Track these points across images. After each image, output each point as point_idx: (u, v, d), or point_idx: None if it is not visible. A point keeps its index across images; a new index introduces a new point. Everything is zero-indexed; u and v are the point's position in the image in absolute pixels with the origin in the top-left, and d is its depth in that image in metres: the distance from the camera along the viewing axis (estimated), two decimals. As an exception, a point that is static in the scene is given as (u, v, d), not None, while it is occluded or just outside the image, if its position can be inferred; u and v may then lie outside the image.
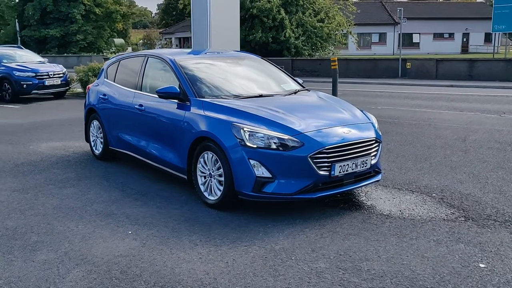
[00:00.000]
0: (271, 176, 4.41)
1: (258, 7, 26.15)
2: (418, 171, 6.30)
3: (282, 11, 26.70)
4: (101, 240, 4.12)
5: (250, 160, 4.42)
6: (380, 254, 3.78)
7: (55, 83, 14.97)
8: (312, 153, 4.39)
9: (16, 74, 14.39)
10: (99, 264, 3.64)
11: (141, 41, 57.53)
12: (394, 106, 13.23)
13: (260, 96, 5.40)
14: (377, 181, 5.12)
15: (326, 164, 4.46)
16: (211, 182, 4.83)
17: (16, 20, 39.39)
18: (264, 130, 4.48)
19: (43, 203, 5.09)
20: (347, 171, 4.59)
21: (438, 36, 57.60)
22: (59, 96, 15.73)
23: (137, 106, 5.93)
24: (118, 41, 44.82)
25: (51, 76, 14.84)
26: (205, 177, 4.90)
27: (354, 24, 32.42)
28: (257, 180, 4.42)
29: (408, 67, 23.25)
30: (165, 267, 3.59)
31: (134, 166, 6.49)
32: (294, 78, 6.34)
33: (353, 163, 4.63)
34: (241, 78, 5.89)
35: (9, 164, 6.85)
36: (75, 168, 6.62)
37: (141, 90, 6.02)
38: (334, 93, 14.56)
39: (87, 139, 7.34)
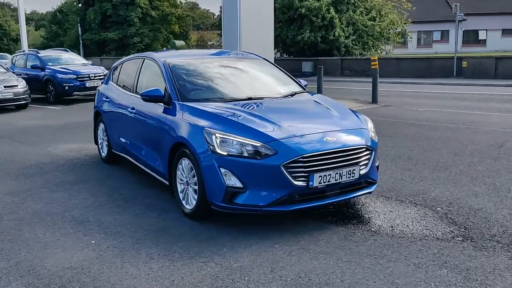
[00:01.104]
0: (242, 186, 4.08)
1: (307, 6, 25.60)
2: (432, 181, 5.72)
3: (332, 10, 25.99)
4: (60, 249, 3.97)
5: (221, 169, 4.12)
6: (345, 278, 3.35)
7: (95, 85, 15.28)
8: (286, 162, 4.02)
9: (59, 77, 14.86)
10: (42, 277, 3.48)
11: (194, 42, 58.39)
12: (438, 108, 12.41)
13: (249, 99, 5.09)
14: (369, 192, 4.65)
15: (303, 174, 4.07)
16: (188, 190, 4.58)
17: (79, 24, 41.23)
18: (236, 137, 4.15)
19: (26, 208, 5.05)
20: (329, 181, 4.17)
21: (507, 32, 54.08)
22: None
23: (130, 109, 5.80)
24: (179, 43, 45.61)
25: (91, 78, 15.21)
26: (183, 184, 4.66)
27: (412, 22, 31.05)
28: (227, 190, 4.11)
29: (464, 66, 21.93)
30: (107, 283, 3.37)
31: (135, 171, 6.34)
32: (297, 80, 5.95)
33: (337, 173, 4.20)
34: (234, 80, 5.58)
35: (19, 165, 6.94)
36: (78, 171, 6.59)
37: (135, 93, 5.87)
38: (374, 93, 13.94)
39: (96, 141, 7.32)
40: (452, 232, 4.18)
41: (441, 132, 8.91)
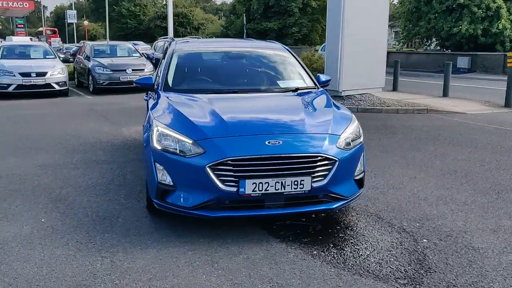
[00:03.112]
0: (173, 184, 3.83)
1: (467, -6, 22.97)
2: (460, 205, 4.67)
3: (499, -1, 22.85)
4: (9, 223, 4.20)
5: (156, 163, 3.92)
6: (207, 302, 2.93)
7: (217, 72, 15.93)
8: (212, 163, 3.64)
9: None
10: (-38, 245, 3.74)
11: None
12: None
13: (234, 92, 4.76)
14: (329, 209, 3.98)
15: (233, 179, 3.65)
16: (149, 182, 4.47)
17: (244, 14, 43.30)
18: (174, 132, 3.90)
19: (35, 180, 5.47)
20: (267, 190, 3.67)
21: None
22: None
23: (145, 97, 5.89)
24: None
25: (214, 65, 15.84)
26: (149, 175, 4.56)
27: None
28: (158, 187, 3.90)
29: None
30: (1, 263, 3.47)
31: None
32: (316, 75, 5.35)
33: (277, 182, 3.67)
34: (234, 72, 5.25)
35: (79, 141, 7.58)
36: (119, 152, 6.92)
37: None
38: (508, 96, 11.91)
39: (149, 125, 7.60)
40: (405, 272, 3.35)
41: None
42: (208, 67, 5.30)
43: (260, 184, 3.65)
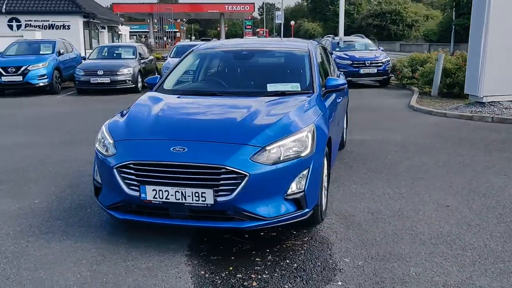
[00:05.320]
0: (100, 182, 3.94)
1: None
2: (452, 249, 3.67)
3: None
4: (12, 199, 4.87)
5: (95, 162, 4.08)
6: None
7: (370, 72, 15.12)
8: (118, 165, 3.62)
9: (337, 62, 15.39)
10: (-44, 214, 4.50)
11: None
12: None
13: (213, 95, 4.60)
14: (240, 229, 3.54)
15: (135, 183, 3.57)
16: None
17: (454, 9, 39.60)
18: (106, 131, 4.02)
19: (80, 167, 6.11)
20: (167, 199, 3.49)
21: None
22: (384, 84, 15.67)
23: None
24: None
25: (367, 64, 15.09)
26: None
27: None
28: (94, 184, 4.07)
29: None
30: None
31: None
32: (318, 80, 4.77)
33: (178, 191, 3.46)
34: (229, 73, 5.11)
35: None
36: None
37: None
38: None
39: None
40: (260, 314, 2.83)
41: None
42: (208, 67, 5.22)
43: (160, 192, 3.50)
